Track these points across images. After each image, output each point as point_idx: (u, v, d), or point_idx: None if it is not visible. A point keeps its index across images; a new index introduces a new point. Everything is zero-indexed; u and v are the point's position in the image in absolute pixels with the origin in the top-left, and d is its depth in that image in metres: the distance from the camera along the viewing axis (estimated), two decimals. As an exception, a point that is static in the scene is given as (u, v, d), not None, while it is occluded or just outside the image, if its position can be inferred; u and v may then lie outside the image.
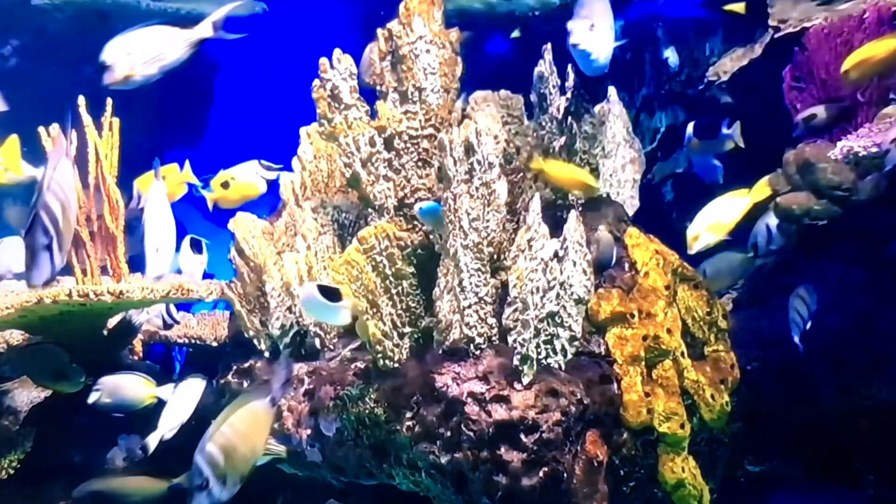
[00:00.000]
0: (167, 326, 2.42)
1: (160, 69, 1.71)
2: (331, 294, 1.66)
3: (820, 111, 2.27)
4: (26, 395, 2.33)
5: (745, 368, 1.99)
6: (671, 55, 3.21)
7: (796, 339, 1.89)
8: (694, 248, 1.67)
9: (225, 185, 2.42)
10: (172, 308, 2.40)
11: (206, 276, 2.41)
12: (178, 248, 2.19)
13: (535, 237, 1.69)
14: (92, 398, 2.02)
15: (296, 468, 1.97)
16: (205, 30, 1.73)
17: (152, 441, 1.92)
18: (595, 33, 1.64)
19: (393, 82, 1.96)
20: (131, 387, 2.04)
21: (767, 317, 2.32)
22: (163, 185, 2.08)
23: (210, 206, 2.48)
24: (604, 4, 1.72)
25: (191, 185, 2.67)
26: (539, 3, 3.71)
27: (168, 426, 1.94)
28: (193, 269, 2.33)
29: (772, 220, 2.22)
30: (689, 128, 2.44)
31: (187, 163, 2.43)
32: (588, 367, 1.77)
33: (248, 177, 2.43)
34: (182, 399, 1.99)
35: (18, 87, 4.31)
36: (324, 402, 1.83)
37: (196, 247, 2.35)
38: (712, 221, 1.60)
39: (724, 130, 2.46)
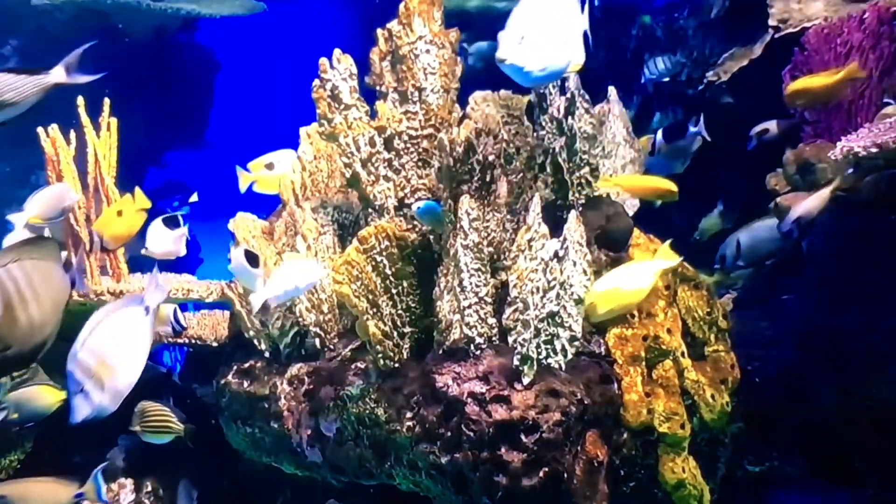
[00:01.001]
0: (176, 333, 2.38)
1: (7, 114, 1.67)
2: (253, 260, 1.77)
3: (772, 126, 2.34)
4: (26, 395, 2.33)
5: (745, 368, 1.99)
6: (662, 63, 3.19)
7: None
8: (593, 318, 1.62)
9: (269, 166, 2.36)
10: (179, 313, 2.38)
11: (193, 251, 2.34)
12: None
13: (535, 237, 1.69)
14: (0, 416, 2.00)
15: (296, 468, 1.97)
16: (58, 75, 1.68)
17: (255, 301, 1.76)
18: (526, 45, 1.45)
19: (393, 82, 1.96)
20: (36, 397, 2.03)
21: (767, 317, 2.32)
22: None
23: (243, 187, 2.40)
24: (542, 9, 1.52)
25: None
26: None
27: (275, 291, 1.75)
28: (171, 246, 2.24)
29: (743, 236, 2.24)
30: (659, 134, 2.44)
31: (137, 189, 2.33)
32: (588, 367, 1.77)
33: (288, 165, 2.36)
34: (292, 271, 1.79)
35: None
36: (324, 402, 1.83)
37: (172, 223, 2.26)
38: (613, 288, 1.56)
39: (691, 129, 2.46)
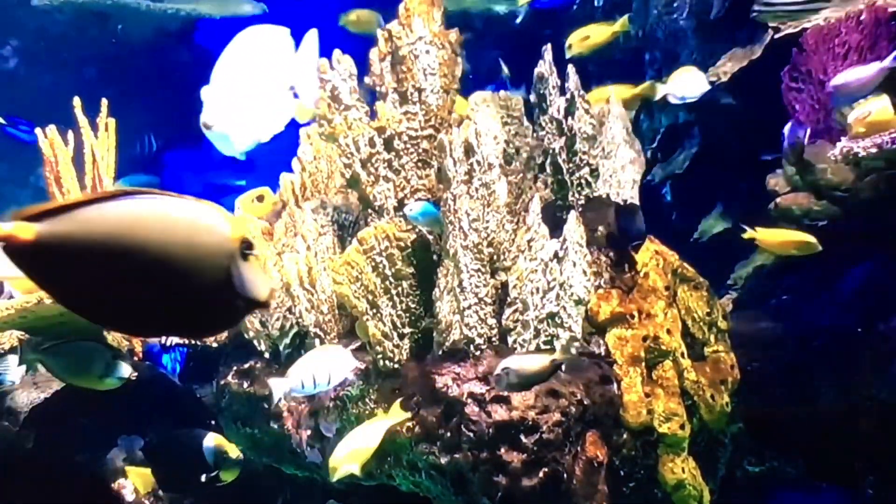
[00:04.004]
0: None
1: None
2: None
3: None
4: (27, 396, 2.33)
5: (745, 369, 1.99)
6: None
7: None
8: (335, 477, 1.62)
9: (259, 199, 2.36)
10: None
11: None
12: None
13: (535, 238, 1.69)
14: None
15: (296, 468, 1.97)
16: None
17: (276, 389, 1.68)
18: (237, 110, 1.22)
19: (392, 83, 1.96)
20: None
21: (767, 317, 2.32)
22: None
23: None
24: (254, 62, 1.25)
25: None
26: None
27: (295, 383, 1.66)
28: None
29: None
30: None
31: None
32: (588, 367, 1.77)
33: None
34: None
35: (18, 88, 4.32)
36: (324, 402, 1.83)
37: None
38: (352, 450, 1.58)
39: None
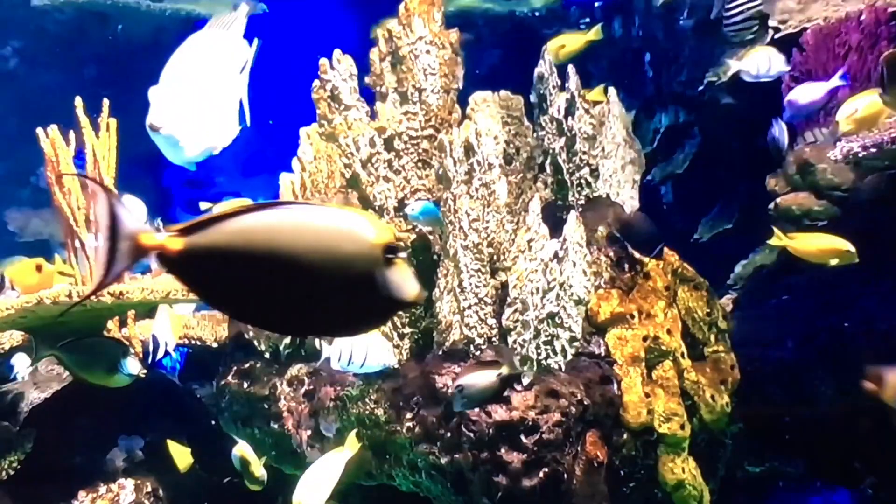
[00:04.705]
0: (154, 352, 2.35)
1: None
2: None
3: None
4: (27, 396, 2.33)
5: (745, 369, 1.99)
6: None
7: None
8: None
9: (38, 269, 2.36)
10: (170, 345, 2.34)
11: None
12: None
13: (535, 238, 1.69)
14: None
15: (296, 468, 1.97)
16: None
17: (327, 352, 1.72)
18: (187, 113, 1.12)
19: (393, 83, 1.96)
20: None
21: (767, 317, 2.32)
22: None
23: None
24: (203, 66, 1.18)
25: None
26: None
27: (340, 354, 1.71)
28: None
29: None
30: None
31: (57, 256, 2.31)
32: (588, 367, 1.77)
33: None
34: None
35: (18, 88, 4.32)
36: (324, 402, 1.83)
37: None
38: (313, 485, 1.62)
39: None
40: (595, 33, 2.64)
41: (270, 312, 0.78)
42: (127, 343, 2.06)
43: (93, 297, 1.94)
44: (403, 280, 0.75)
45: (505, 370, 1.47)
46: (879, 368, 1.56)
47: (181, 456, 2.07)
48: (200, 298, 0.80)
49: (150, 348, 2.24)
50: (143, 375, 1.97)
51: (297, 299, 0.76)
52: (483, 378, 1.47)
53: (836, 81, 2.01)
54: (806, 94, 2.03)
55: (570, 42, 2.54)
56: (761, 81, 2.26)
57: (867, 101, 1.86)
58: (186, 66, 1.17)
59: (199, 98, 1.16)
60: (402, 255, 0.75)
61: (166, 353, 2.37)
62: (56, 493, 2.12)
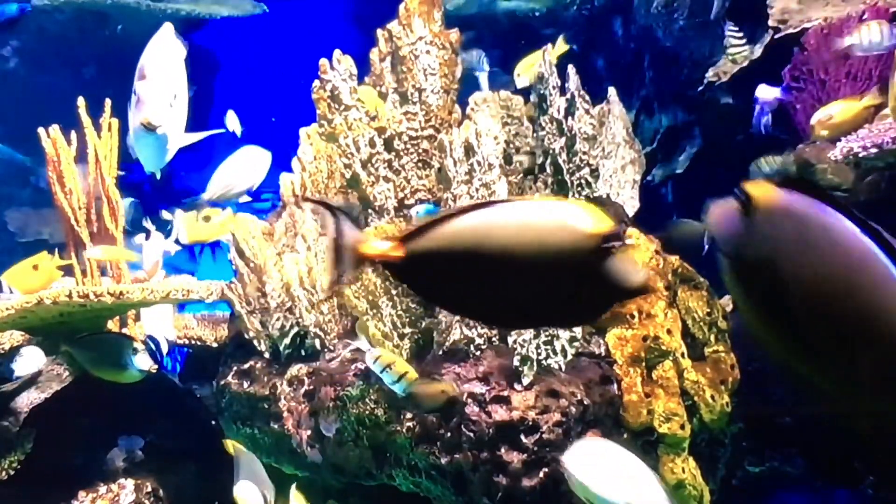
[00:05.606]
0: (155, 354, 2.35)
1: None
2: None
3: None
4: (26, 396, 2.33)
5: (745, 369, 1.98)
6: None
7: None
8: None
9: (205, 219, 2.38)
10: (164, 344, 2.34)
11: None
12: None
13: (535, 238, 1.69)
14: None
15: (296, 468, 1.97)
16: None
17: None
18: (176, 111, 1.09)
19: (393, 83, 1.96)
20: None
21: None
22: None
23: (187, 238, 2.43)
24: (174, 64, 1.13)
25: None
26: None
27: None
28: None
29: None
30: None
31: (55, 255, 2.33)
32: (588, 367, 1.77)
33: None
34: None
35: (18, 88, 4.32)
36: (324, 402, 1.83)
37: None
38: None
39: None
40: (560, 47, 2.62)
41: (493, 309, 0.81)
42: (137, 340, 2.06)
43: (93, 298, 1.94)
44: (626, 267, 0.76)
45: (449, 388, 1.52)
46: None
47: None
48: (425, 300, 0.88)
49: (153, 346, 2.24)
50: (154, 371, 1.98)
51: (518, 294, 0.78)
52: (430, 390, 1.51)
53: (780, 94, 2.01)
54: (768, 94, 2.03)
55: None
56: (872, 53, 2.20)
57: (841, 108, 1.85)
58: (166, 64, 1.14)
59: (182, 99, 1.15)
60: (621, 244, 0.75)
61: (171, 349, 2.39)
62: (56, 493, 2.11)
